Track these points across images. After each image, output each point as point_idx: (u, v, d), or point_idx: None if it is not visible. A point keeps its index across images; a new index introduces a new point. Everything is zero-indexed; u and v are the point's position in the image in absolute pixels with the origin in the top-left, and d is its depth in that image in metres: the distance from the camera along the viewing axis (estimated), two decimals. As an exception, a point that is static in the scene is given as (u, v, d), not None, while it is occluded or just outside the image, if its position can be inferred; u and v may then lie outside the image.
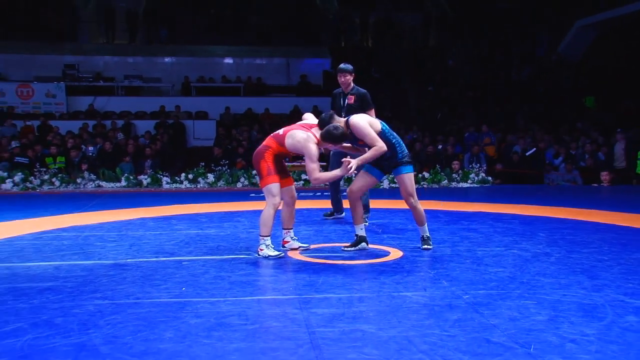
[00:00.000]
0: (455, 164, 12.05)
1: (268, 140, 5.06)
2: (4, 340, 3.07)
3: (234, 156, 12.81)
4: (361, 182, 5.22)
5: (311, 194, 9.87)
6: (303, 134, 4.90)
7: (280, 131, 5.06)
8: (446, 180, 11.62)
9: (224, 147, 13.38)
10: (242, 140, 14.01)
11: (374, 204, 7.29)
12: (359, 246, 5.23)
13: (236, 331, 3.19)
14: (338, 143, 4.92)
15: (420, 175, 11.71)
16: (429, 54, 20.31)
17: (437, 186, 11.45)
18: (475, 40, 20.54)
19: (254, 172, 11.60)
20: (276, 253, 4.93)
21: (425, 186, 11.43)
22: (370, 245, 5.36)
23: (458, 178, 11.71)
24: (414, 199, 5.20)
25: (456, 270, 4.54)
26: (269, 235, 4.95)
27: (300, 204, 8.46)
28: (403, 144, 5.18)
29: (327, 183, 7.02)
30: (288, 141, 4.93)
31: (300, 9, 20.99)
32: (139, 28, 19.78)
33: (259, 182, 5.02)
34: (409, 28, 21.14)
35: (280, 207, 5.03)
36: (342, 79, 6.80)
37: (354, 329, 3.20)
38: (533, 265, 4.65)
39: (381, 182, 10.67)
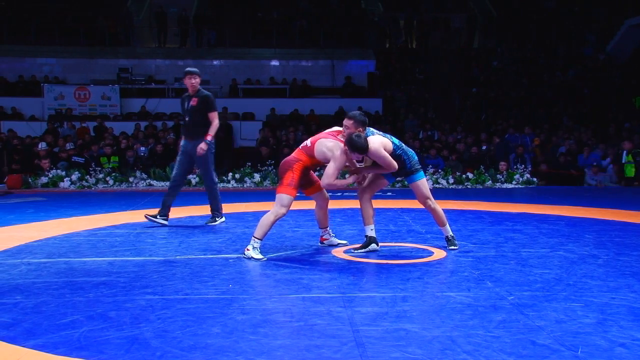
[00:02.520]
0: (503, 165, 11.89)
1: (298, 153, 5.06)
2: (62, 332, 3.22)
3: (280, 156, 12.94)
4: (372, 184, 5.31)
5: (355, 193, 9.87)
6: (331, 142, 4.93)
7: (308, 142, 5.06)
8: (490, 181, 11.48)
9: (270, 147, 13.53)
10: (289, 141, 14.14)
11: (416, 204, 7.26)
12: (369, 247, 5.18)
13: (281, 328, 3.26)
14: (362, 153, 4.83)
15: (464, 175, 11.59)
16: (473, 55, 20.07)
17: (481, 187, 11.32)
18: (520, 41, 20.18)
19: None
20: (260, 257, 4.91)
21: (469, 187, 11.32)
22: (413, 245, 5.37)
23: (502, 179, 11.55)
24: (431, 201, 5.24)
25: (500, 271, 4.50)
26: (261, 239, 4.98)
27: (344, 204, 8.51)
28: (411, 153, 5.20)
29: (209, 188, 6.86)
30: (318, 149, 4.95)
31: (346, 12, 21.05)
32: (189, 32, 20.22)
33: (277, 186, 5.08)
34: (454, 29, 20.92)
35: (282, 216, 5.03)
36: (192, 81, 6.75)
37: (397, 328, 3.23)
38: (580, 268, 4.58)
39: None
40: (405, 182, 5.82)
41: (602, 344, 2.97)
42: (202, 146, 6.53)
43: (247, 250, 4.98)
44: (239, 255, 5.05)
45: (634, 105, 17.00)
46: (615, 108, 16.80)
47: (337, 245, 5.45)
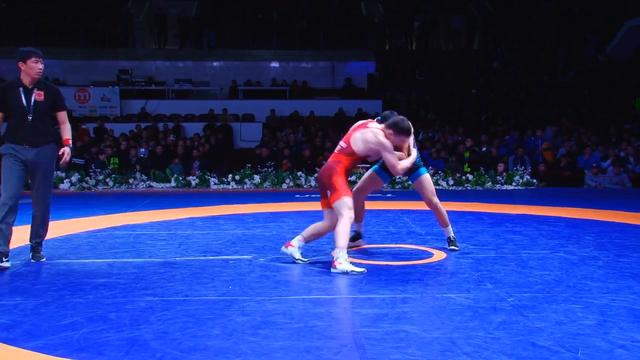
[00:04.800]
0: (500, 166, 11.90)
1: (336, 157, 4.86)
2: (62, 333, 3.22)
3: (279, 158, 12.95)
4: (369, 183, 5.30)
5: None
6: (369, 133, 4.80)
7: (343, 144, 4.88)
8: (490, 183, 11.48)
9: (270, 148, 13.54)
10: (289, 142, 14.15)
11: (416, 205, 7.27)
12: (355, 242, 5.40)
13: (281, 329, 3.26)
14: (406, 136, 4.84)
15: (464, 177, 11.60)
16: (473, 56, 20.10)
17: (480, 188, 11.32)
18: (520, 42, 20.20)
19: (300, 173, 11.72)
20: (360, 270, 4.49)
21: (468, 188, 11.33)
22: (413, 247, 5.38)
23: (502, 180, 11.56)
24: (436, 199, 5.26)
25: (500, 272, 4.50)
26: (345, 247, 4.61)
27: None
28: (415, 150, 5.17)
29: None
30: (358, 145, 4.79)
31: (346, 13, 21.06)
32: (189, 34, 20.24)
33: (329, 196, 4.74)
34: (454, 30, 20.96)
35: (352, 219, 4.82)
36: (39, 66, 4.96)
37: (397, 330, 3.23)
38: (580, 269, 4.58)
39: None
40: (408, 182, 5.82)
41: (602, 346, 2.98)
42: (67, 151, 5.02)
43: (339, 264, 4.49)
44: (333, 271, 4.50)
45: (634, 107, 17.02)
46: (616, 109, 16.81)
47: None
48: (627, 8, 18.38)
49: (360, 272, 4.46)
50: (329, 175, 4.77)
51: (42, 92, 4.94)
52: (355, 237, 5.48)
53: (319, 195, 4.96)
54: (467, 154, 12.65)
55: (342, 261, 4.52)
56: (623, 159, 12.48)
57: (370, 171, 5.41)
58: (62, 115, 5.09)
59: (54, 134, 5.04)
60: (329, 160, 4.92)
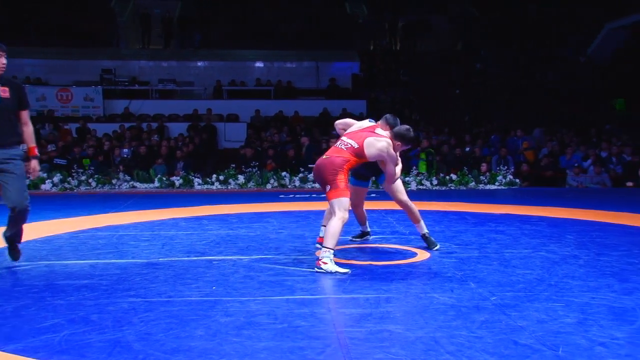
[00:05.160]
0: (483, 166, 11.99)
1: (343, 153, 4.77)
2: (43, 335, 3.19)
3: (264, 158, 12.93)
4: (356, 196, 5.40)
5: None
6: (383, 142, 4.81)
7: (354, 144, 4.80)
8: (474, 182, 11.56)
9: (254, 148, 13.52)
10: (274, 142, 14.13)
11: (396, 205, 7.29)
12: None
13: (265, 330, 3.25)
14: (411, 145, 5.03)
15: (447, 177, 11.67)
16: (456, 57, 20.23)
17: (464, 188, 11.40)
18: (503, 43, 20.39)
19: (285, 173, 11.70)
20: (344, 270, 4.49)
21: (452, 188, 11.40)
22: (397, 247, 5.41)
23: (485, 180, 11.65)
24: (406, 198, 5.33)
25: (483, 272, 4.54)
26: (333, 249, 4.59)
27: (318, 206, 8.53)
28: None
29: None
30: (370, 151, 4.79)
31: (330, 13, 21.08)
32: (173, 33, 20.14)
33: (327, 192, 4.71)
34: (437, 31, 21.08)
35: (347, 220, 4.78)
36: (3, 61, 4.53)
37: (381, 329, 3.24)
38: (561, 268, 4.63)
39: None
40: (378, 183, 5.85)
41: (582, 344, 3.01)
42: (36, 166, 4.86)
43: (324, 264, 4.49)
44: (317, 271, 4.49)
45: (615, 108, 17.24)
46: (596, 110, 17.01)
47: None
48: (607, 10, 18.62)
49: (345, 273, 4.46)
50: (333, 172, 4.70)
51: (6, 89, 4.57)
52: (363, 234, 5.88)
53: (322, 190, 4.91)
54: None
55: (328, 261, 4.51)
56: (605, 159, 12.64)
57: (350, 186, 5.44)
58: (26, 115, 4.74)
59: (21, 135, 4.72)
60: (333, 155, 4.79)
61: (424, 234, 5.42)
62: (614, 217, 7.33)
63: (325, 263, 4.51)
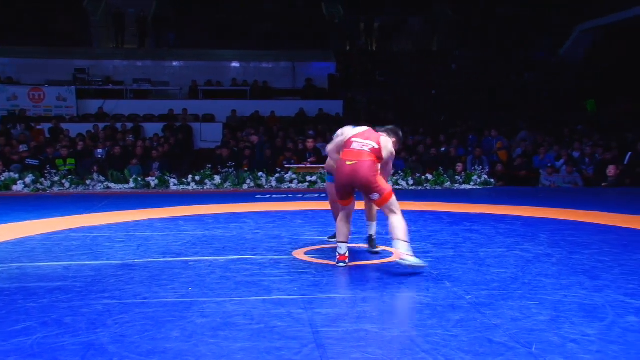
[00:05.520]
0: (459, 166, 12.11)
1: (370, 156, 4.70)
2: (15, 339, 3.14)
3: (240, 158, 12.88)
4: (333, 195, 5.32)
5: (316, 195, 9.92)
6: (391, 144, 4.86)
7: (374, 145, 4.75)
8: (449, 182, 11.67)
9: (230, 149, 13.46)
10: (248, 143, 14.08)
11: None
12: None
13: (241, 331, 3.25)
14: (399, 144, 5.05)
15: (423, 177, 11.75)
16: (432, 57, 20.40)
17: (440, 188, 11.49)
18: (478, 44, 20.64)
19: (261, 173, 11.67)
20: (422, 264, 4.52)
21: (428, 187, 11.49)
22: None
23: (461, 180, 11.76)
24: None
25: (459, 271, 4.58)
26: (408, 242, 4.57)
27: (306, 206, 8.54)
28: None
29: None
30: (385, 153, 4.81)
31: (307, 14, 21.09)
32: (148, 33, 19.95)
33: (376, 198, 4.69)
34: (413, 32, 21.24)
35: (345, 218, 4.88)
36: None
37: (357, 329, 3.25)
38: (535, 266, 4.70)
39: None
40: None
41: (555, 341, 3.06)
42: None
43: (407, 256, 4.47)
44: (400, 262, 4.49)
45: (586, 108, 17.55)
46: (569, 110, 17.30)
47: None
48: (578, 12, 18.96)
49: (423, 266, 4.50)
50: (372, 176, 4.66)
51: None
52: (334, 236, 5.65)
53: (342, 193, 4.82)
54: None
55: (411, 254, 4.50)
56: (577, 159, 12.85)
57: (329, 185, 5.46)
58: None
59: None
60: (361, 159, 4.68)
61: (370, 235, 5.36)
62: (586, 216, 7.46)
63: (409, 255, 4.48)
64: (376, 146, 4.77)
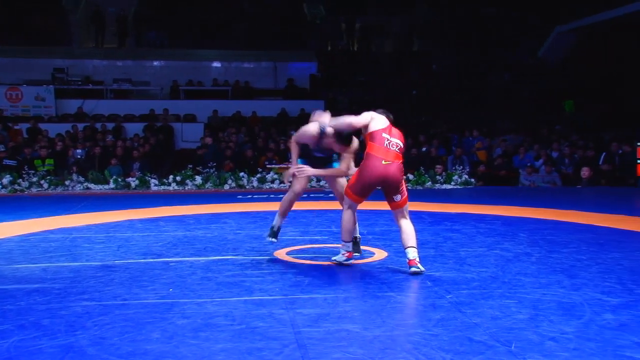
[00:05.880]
0: (439, 168, 12.17)
1: (400, 156, 4.65)
2: (-9, 342, 3.09)
3: (221, 158, 12.83)
4: (303, 182, 5.13)
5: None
6: None
7: (401, 144, 4.68)
8: (430, 182, 11.73)
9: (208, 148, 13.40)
10: (230, 142, 14.03)
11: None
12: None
13: (223, 331, 3.23)
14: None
15: (404, 177, 11.80)
16: (413, 58, 20.51)
17: (421, 188, 11.55)
18: (458, 45, 20.80)
19: (243, 174, 11.63)
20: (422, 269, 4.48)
21: (409, 187, 11.53)
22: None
23: (442, 180, 11.83)
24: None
25: (440, 270, 4.61)
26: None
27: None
28: None
29: None
30: None
31: (288, 14, 21.08)
32: (128, 32, 19.79)
33: (400, 200, 4.66)
34: (394, 33, 21.34)
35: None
36: None
37: (339, 329, 3.25)
38: (514, 265, 4.74)
39: None
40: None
41: (533, 339, 3.09)
42: None
43: (419, 263, 4.48)
44: (416, 272, 4.43)
45: (564, 109, 17.77)
46: (547, 111, 17.51)
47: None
48: (557, 14, 19.20)
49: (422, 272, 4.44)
50: (402, 177, 4.67)
51: None
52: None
53: (368, 191, 4.70)
54: None
55: (418, 261, 4.49)
56: (556, 159, 13.00)
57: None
58: None
59: None
60: (396, 159, 4.59)
61: (274, 226, 5.27)
62: (564, 215, 7.56)
63: (418, 261, 4.47)
64: (402, 146, 4.68)
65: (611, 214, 7.63)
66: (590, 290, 3.97)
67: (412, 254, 4.48)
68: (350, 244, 4.80)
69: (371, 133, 4.62)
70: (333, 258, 4.89)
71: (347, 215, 4.72)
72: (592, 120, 16.51)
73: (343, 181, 5.09)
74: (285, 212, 5.27)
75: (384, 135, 4.60)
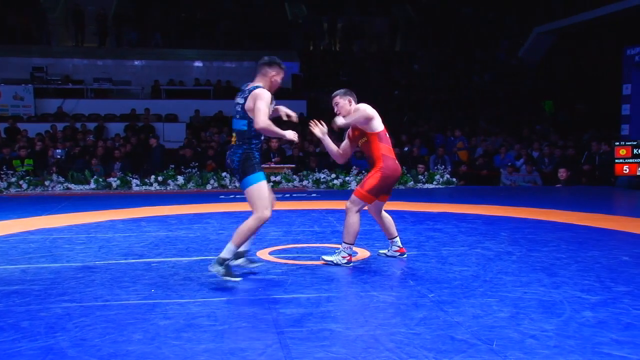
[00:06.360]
0: (420, 168, 12.22)
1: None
2: (-30, 344, 3.05)
3: (203, 158, 12.77)
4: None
5: (280, 195, 9.90)
6: None
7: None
8: (412, 182, 11.79)
9: (193, 149, 13.33)
10: (211, 142, 13.97)
11: (340, 205, 7.36)
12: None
13: (205, 332, 3.22)
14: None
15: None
16: (395, 58, 20.60)
17: (403, 187, 11.60)
18: (439, 45, 20.94)
19: (225, 174, 11.58)
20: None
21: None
22: (338, 246, 5.42)
23: (424, 179, 11.89)
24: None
25: (422, 269, 4.64)
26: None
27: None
28: None
29: None
30: None
31: (270, 14, 21.05)
32: (108, 31, 19.61)
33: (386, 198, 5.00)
34: (376, 33, 21.42)
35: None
36: None
37: (322, 329, 3.26)
38: (496, 264, 4.79)
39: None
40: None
41: (514, 337, 3.12)
42: None
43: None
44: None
45: (544, 109, 17.99)
46: (528, 111, 17.70)
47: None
48: (536, 14, 19.42)
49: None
50: None
51: None
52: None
53: (388, 190, 4.93)
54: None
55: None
56: (537, 159, 13.14)
57: None
58: None
59: None
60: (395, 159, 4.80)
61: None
62: (544, 214, 7.64)
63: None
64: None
65: (590, 212, 7.74)
66: (569, 289, 4.02)
67: (400, 241, 4.99)
68: (352, 247, 4.80)
69: (378, 133, 4.74)
70: (328, 258, 4.81)
71: (356, 218, 4.75)
72: (572, 120, 16.73)
73: None
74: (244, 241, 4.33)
75: (387, 135, 4.78)
